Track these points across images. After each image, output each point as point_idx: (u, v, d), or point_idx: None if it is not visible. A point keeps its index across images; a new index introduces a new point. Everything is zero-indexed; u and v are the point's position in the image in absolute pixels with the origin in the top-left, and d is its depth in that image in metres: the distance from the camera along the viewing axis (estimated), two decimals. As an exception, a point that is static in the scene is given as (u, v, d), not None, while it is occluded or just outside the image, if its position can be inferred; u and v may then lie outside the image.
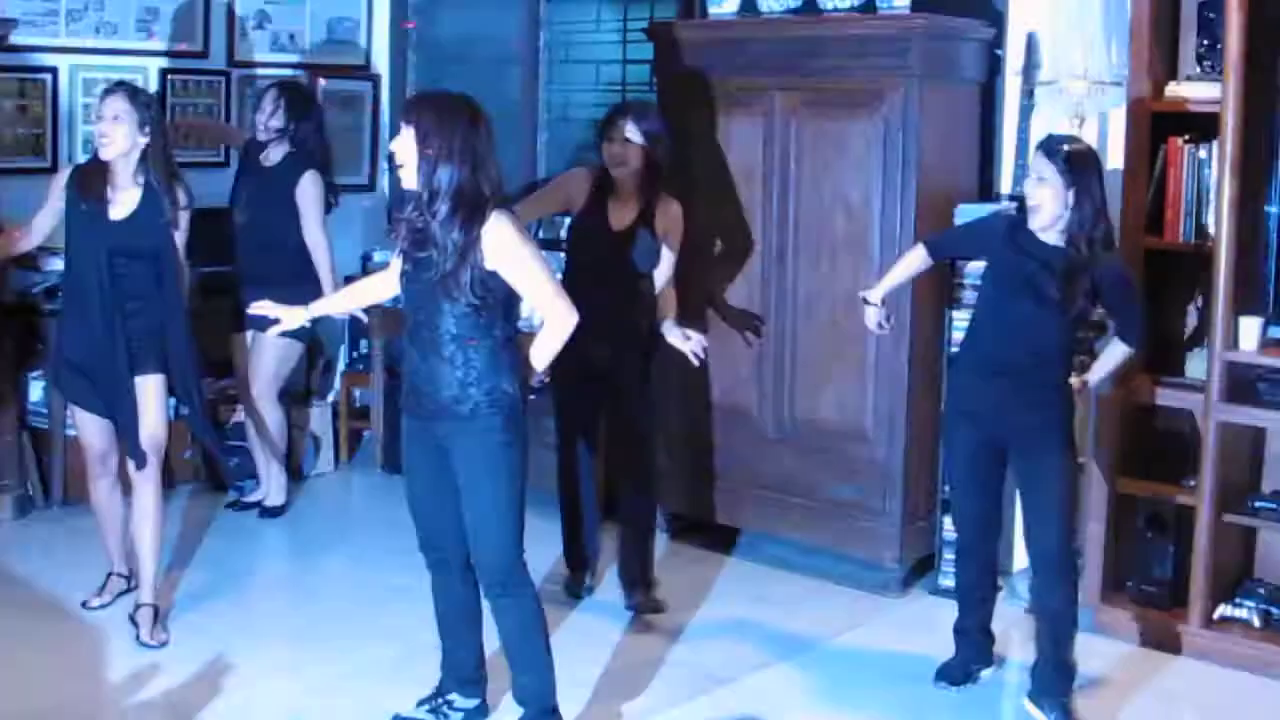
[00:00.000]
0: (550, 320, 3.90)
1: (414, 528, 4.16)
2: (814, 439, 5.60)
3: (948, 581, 5.45)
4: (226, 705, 4.44)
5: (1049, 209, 4.17)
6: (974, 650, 4.69)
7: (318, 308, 4.51)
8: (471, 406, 3.85)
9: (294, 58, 7.32)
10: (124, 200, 4.80)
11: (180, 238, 4.87)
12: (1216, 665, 4.82)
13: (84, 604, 5.12)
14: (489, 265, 3.77)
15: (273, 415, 6.23)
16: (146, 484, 4.88)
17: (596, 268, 5.02)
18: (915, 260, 4.67)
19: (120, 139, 4.76)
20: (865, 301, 4.71)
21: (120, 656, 4.77)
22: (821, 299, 5.52)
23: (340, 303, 4.62)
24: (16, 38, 6.14)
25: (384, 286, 4.27)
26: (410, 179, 3.85)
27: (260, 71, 7.17)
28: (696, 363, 5.15)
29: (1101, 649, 4.79)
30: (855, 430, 5.48)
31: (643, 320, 5.13)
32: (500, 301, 3.85)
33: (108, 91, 4.87)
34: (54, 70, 6.51)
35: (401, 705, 4.30)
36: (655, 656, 4.88)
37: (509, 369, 3.88)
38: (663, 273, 5.14)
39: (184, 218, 4.87)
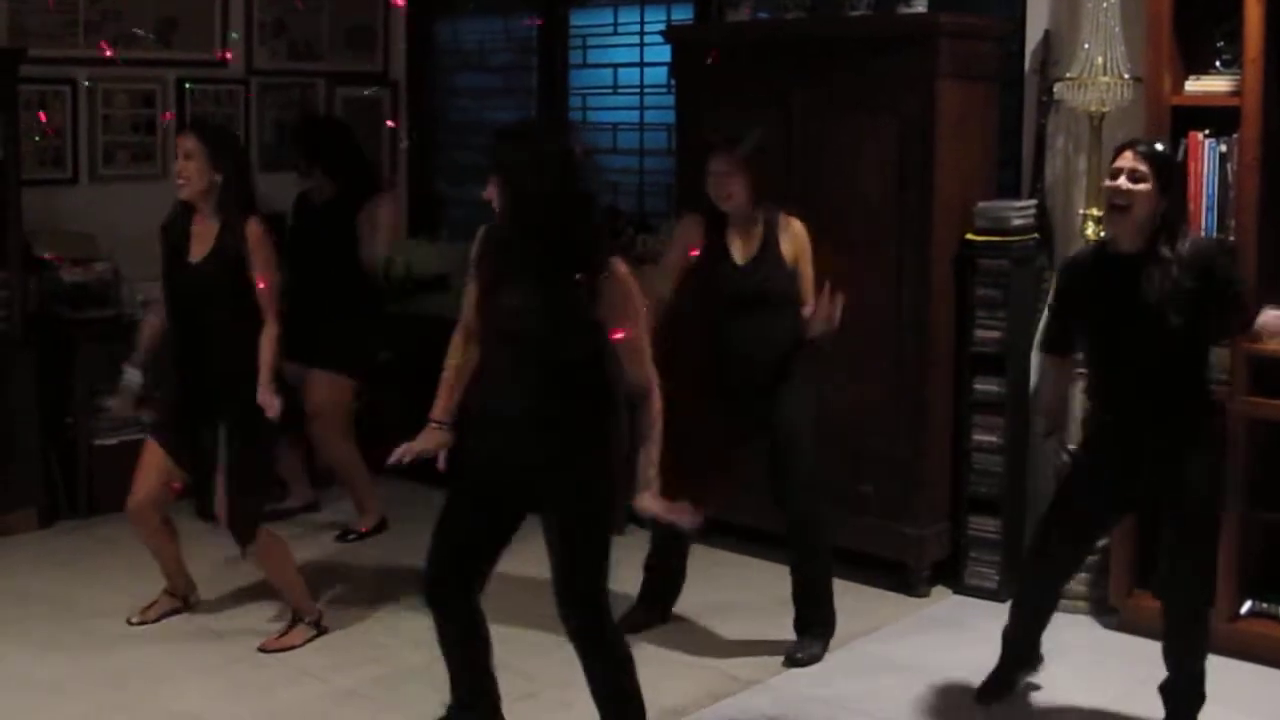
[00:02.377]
0: None
1: None
2: (836, 439, 5.58)
3: (974, 580, 5.45)
4: (252, 711, 4.46)
5: (1140, 210, 4.00)
6: (1018, 657, 4.62)
7: (443, 413, 4.01)
8: None
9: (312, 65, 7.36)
10: (203, 239, 4.74)
11: (263, 271, 4.72)
12: (1243, 661, 4.80)
13: (128, 620, 5.11)
14: None
15: (343, 453, 6.15)
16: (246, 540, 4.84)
17: (743, 308, 4.80)
18: (1055, 370, 4.55)
19: (195, 177, 4.69)
20: (1061, 445, 4.58)
21: (147, 664, 4.79)
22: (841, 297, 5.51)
23: (452, 400, 4.04)
24: (36, 50, 6.16)
25: (469, 354, 3.99)
26: None
27: (279, 80, 7.21)
28: None
29: (1126, 646, 4.77)
30: (876, 429, 5.47)
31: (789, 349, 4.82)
32: None
33: (179, 130, 4.87)
34: (73, 82, 6.54)
35: (429, 710, 4.30)
36: (679, 658, 4.88)
37: None
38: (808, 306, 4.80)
39: (260, 251, 4.71)
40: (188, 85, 6.88)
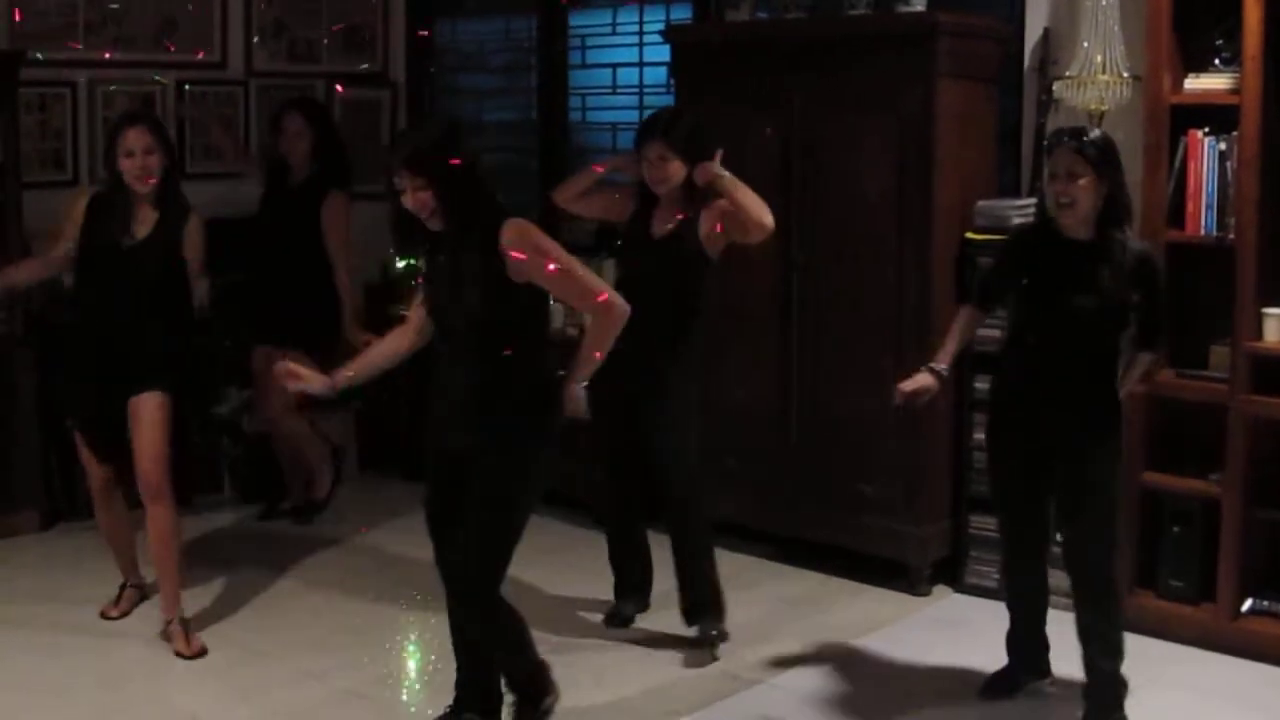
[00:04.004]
0: None
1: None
2: (835, 438, 5.59)
3: (975, 579, 5.45)
4: (251, 712, 4.46)
5: (1084, 204, 4.11)
6: (1024, 660, 4.62)
7: (343, 379, 4.16)
8: None
9: (311, 66, 7.36)
10: (142, 223, 4.84)
11: (196, 252, 4.90)
12: (1245, 659, 4.79)
13: (101, 614, 5.16)
14: None
15: (293, 428, 6.26)
16: (155, 505, 4.89)
17: (639, 279, 4.84)
18: (967, 319, 4.56)
19: (157, 170, 4.80)
20: (933, 371, 4.48)
21: (147, 666, 4.79)
22: (842, 298, 5.52)
23: (365, 369, 4.21)
24: (36, 52, 6.17)
25: (404, 340, 4.15)
26: None
27: (278, 81, 7.21)
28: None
29: (1128, 645, 4.75)
30: (877, 428, 5.47)
31: (686, 336, 4.86)
32: None
33: (128, 123, 4.86)
34: (73, 84, 6.54)
35: (430, 711, 4.30)
36: (678, 660, 4.87)
37: None
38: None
39: (199, 232, 4.91)
40: (187, 87, 6.88)
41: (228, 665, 4.80)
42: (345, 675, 4.73)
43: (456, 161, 3.72)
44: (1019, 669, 4.61)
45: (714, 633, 4.90)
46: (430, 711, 4.29)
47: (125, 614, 5.19)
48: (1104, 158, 4.11)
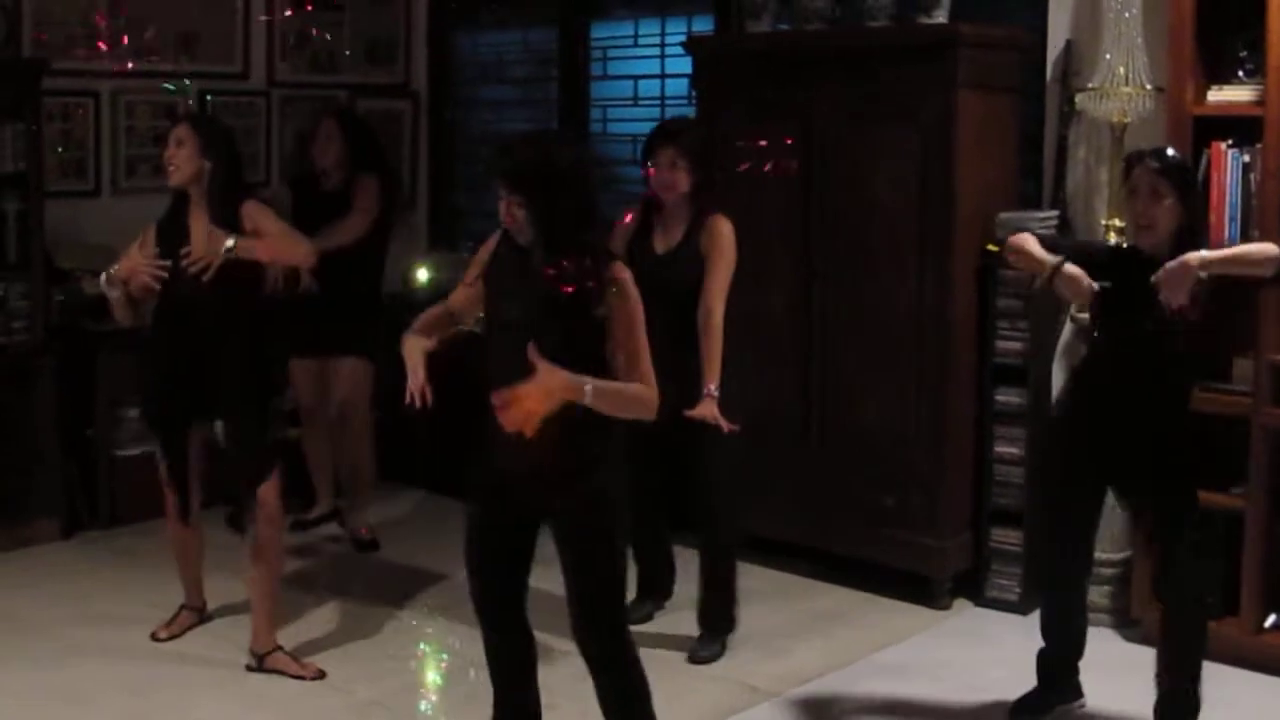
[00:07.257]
0: None
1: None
2: (856, 450, 5.57)
3: (995, 593, 5.43)
4: (273, 722, 4.47)
5: (1165, 225, 4.01)
6: (1055, 683, 4.52)
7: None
8: None
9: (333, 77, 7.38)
10: (197, 234, 4.68)
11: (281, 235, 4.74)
12: (1267, 675, 4.77)
13: (152, 635, 5.08)
14: None
15: (365, 446, 6.18)
16: (262, 527, 4.78)
17: (652, 293, 4.82)
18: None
19: (184, 164, 4.66)
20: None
21: (168, 674, 4.80)
22: (863, 309, 5.51)
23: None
24: (59, 62, 6.20)
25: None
26: None
27: (300, 93, 7.23)
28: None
29: (1149, 658, 4.73)
30: (898, 441, 5.46)
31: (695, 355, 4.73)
32: None
33: (172, 123, 4.86)
34: (96, 94, 6.57)
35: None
36: (697, 671, 4.86)
37: None
38: (704, 303, 4.73)
39: (267, 223, 4.72)
40: (209, 97, 6.90)
41: (248, 675, 4.80)
42: (366, 685, 4.72)
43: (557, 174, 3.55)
44: (1048, 691, 4.51)
45: (703, 654, 4.93)
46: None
47: (175, 636, 5.08)
48: (1186, 180, 4.05)
